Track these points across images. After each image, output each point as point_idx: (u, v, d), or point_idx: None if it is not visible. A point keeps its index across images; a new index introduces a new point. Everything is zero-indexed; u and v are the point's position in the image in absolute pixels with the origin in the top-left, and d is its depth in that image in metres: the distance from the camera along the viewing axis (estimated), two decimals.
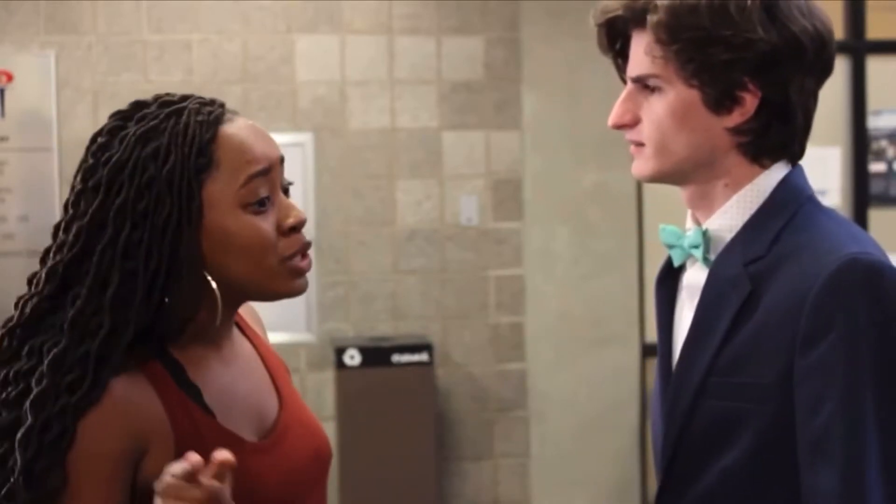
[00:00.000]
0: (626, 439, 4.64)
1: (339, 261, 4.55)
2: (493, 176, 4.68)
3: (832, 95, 4.92)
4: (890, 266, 1.24)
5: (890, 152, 5.01)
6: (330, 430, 4.38)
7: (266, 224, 1.26)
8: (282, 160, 1.30)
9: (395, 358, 4.32)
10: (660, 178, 1.38)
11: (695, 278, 1.38)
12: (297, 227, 1.28)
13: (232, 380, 1.32)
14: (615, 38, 1.40)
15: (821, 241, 1.28)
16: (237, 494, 1.17)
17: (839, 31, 4.94)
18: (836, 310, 1.22)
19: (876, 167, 4.98)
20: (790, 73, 1.30)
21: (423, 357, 4.33)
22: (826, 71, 1.35)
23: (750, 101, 1.30)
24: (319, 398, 4.51)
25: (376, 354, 4.33)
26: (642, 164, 1.38)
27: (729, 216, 1.35)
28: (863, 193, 4.92)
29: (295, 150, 4.50)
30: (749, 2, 1.28)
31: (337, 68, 4.59)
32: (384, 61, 4.62)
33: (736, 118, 1.31)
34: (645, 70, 1.33)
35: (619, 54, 1.41)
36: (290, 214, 1.28)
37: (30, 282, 1.30)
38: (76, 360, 1.19)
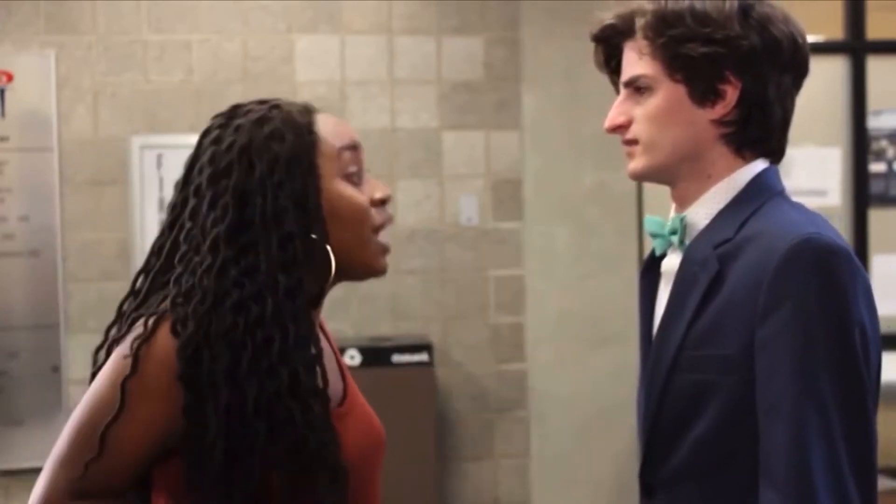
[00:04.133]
0: (626, 439, 4.64)
1: None
2: (493, 176, 4.68)
3: (832, 95, 4.92)
4: (844, 247, 1.35)
5: (890, 152, 5.01)
6: None
7: (363, 194, 1.40)
8: (359, 148, 1.45)
9: (395, 358, 4.32)
10: (652, 173, 1.51)
11: (672, 264, 1.51)
12: (385, 200, 1.43)
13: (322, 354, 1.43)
14: (611, 55, 1.56)
15: (781, 224, 1.39)
16: None
17: (839, 31, 4.94)
18: (790, 284, 1.32)
19: (876, 167, 4.98)
20: (768, 71, 1.45)
21: (423, 357, 4.32)
22: (802, 71, 1.50)
23: (731, 94, 1.45)
24: None
25: (376, 354, 4.33)
26: (635, 162, 1.51)
27: (706, 205, 1.48)
28: (863, 193, 4.91)
29: None
30: (727, 6, 1.44)
31: (337, 68, 4.59)
32: (384, 61, 4.62)
33: (719, 110, 1.45)
34: (636, 72, 1.48)
35: (615, 71, 1.56)
36: (378, 188, 1.43)
37: (156, 253, 1.38)
38: (280, 317, 1.31)
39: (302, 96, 4.51)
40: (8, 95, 4.38)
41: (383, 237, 1.42)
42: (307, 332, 1.34)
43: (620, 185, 4.59)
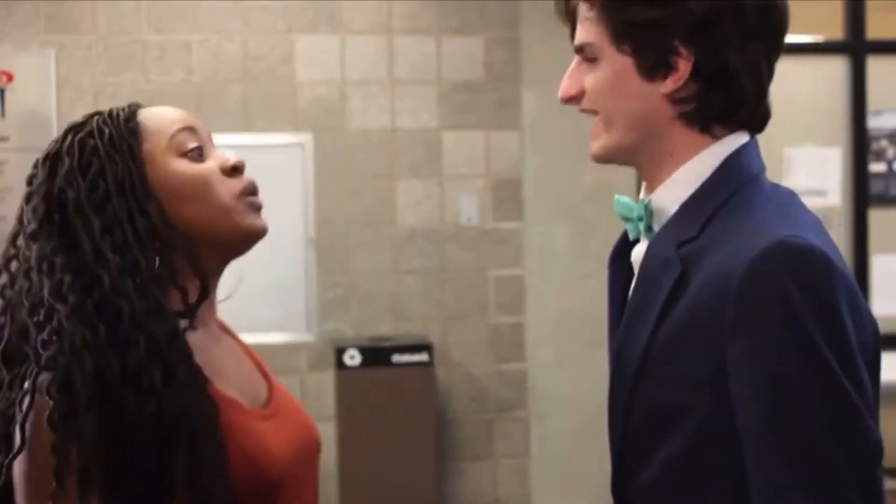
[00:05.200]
0: None
1: (339, 261, 4.55)
2: (493, 176, 4.68)
3: (832, 95, 4.92)
4: (820, 249, 1.17)
5: (890, 152, 5.01)
6: (330, 430, 4.38)
7: (205, 166, 1.37)
8: (197, 129, 1.41)
9: (395, 358, 4.32)
10: (612, 153, 1.35)
11: (641, 253, 1.38)
12: (238, 168, 1.38)
13: (220, 355, 1.39)
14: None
15: (751, 223, 1.22)
16: (243, 458, 1.26)
17: (839, 31, 4.94)
18: (760, 298, 1.16)
19: (876, 167, 4.98)
20: (727, 37, 1.25)
21: (423, 357, 4.33)
22: (776, 36, 1.29)
23: (683, 67, 1.26)
24: (319, 398, 4.50)
25: (376, 354, 4.33)
26: (596, 143, 1.37)
27: (672, 189, 1.31)
28: (863, 193, 4.91)
29: (295, 150, 4.50)
30: None
31: (337, 68, 4.60)
32: (384, 61, 4.63)
33: (670, 85, 1.27)
34: (582, 39, 1.35)
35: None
36: (229, 157, 1.38)
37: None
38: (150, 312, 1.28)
39: (302, 96, 4.54)
40: (8, 95, 4.38)
41: (251, 197, 1.38)
42: (157, 306, 1.29)
43: (620, 185, 4.59)
